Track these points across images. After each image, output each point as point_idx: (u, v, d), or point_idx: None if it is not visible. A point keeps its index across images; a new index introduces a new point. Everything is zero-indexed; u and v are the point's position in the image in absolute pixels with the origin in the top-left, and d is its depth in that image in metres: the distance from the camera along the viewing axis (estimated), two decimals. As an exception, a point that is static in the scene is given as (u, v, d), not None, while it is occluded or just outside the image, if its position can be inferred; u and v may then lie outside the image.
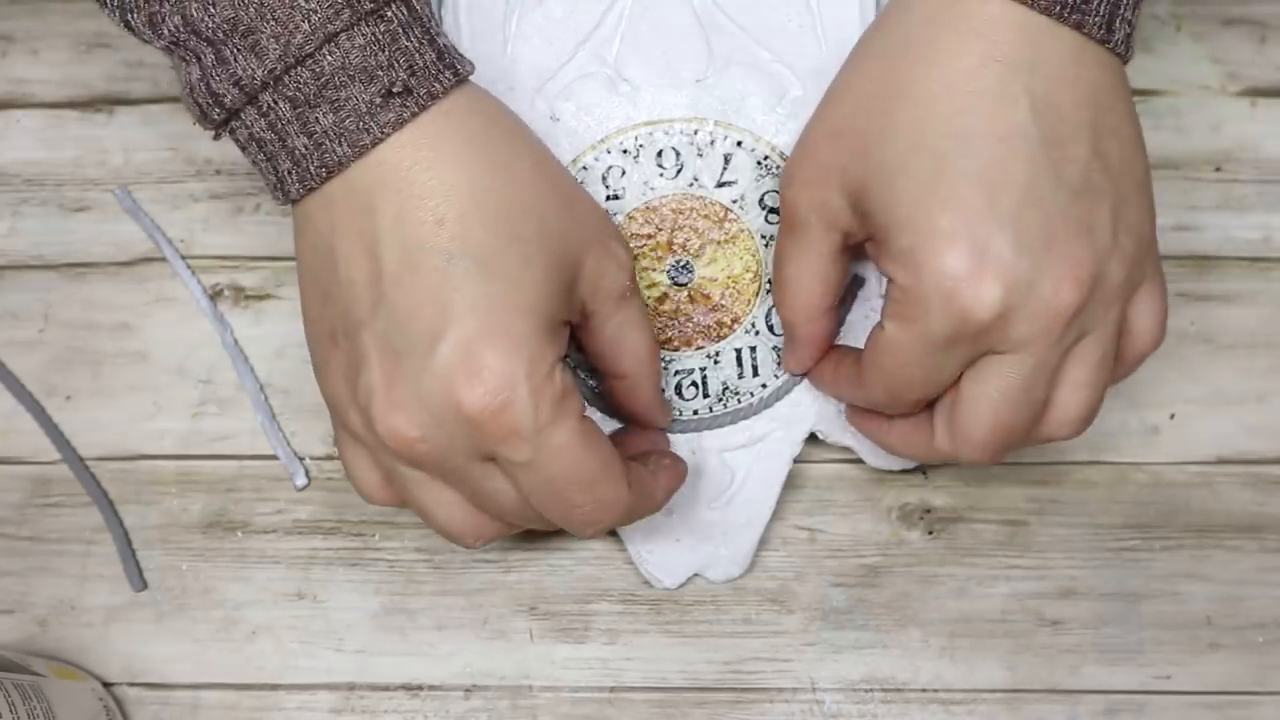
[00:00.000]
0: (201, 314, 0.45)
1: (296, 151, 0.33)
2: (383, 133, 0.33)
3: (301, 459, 0.44)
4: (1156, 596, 0.42)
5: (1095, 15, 0.33)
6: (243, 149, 0.35)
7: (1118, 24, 0.34)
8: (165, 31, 0.33)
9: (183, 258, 0.45)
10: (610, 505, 0.34)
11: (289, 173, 0.34)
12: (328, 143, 0.33)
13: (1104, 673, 0.42)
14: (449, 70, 0.33)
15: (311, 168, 0.33)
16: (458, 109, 0.34)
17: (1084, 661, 0.42)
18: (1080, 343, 0.34)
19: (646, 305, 0.41)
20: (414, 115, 0.33)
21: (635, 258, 0.41)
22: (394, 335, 0.32)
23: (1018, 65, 0.33)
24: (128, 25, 0.34)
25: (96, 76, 0.47)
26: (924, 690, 0.42)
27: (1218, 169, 0.45)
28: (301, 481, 0.43)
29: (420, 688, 0.42)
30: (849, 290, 0.41)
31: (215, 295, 0.45)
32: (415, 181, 0.33)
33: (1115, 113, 0.34)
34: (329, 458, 0.44)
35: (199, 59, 0.33)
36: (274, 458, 0.44)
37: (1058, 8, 0.33)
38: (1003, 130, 0.33)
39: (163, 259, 0.45)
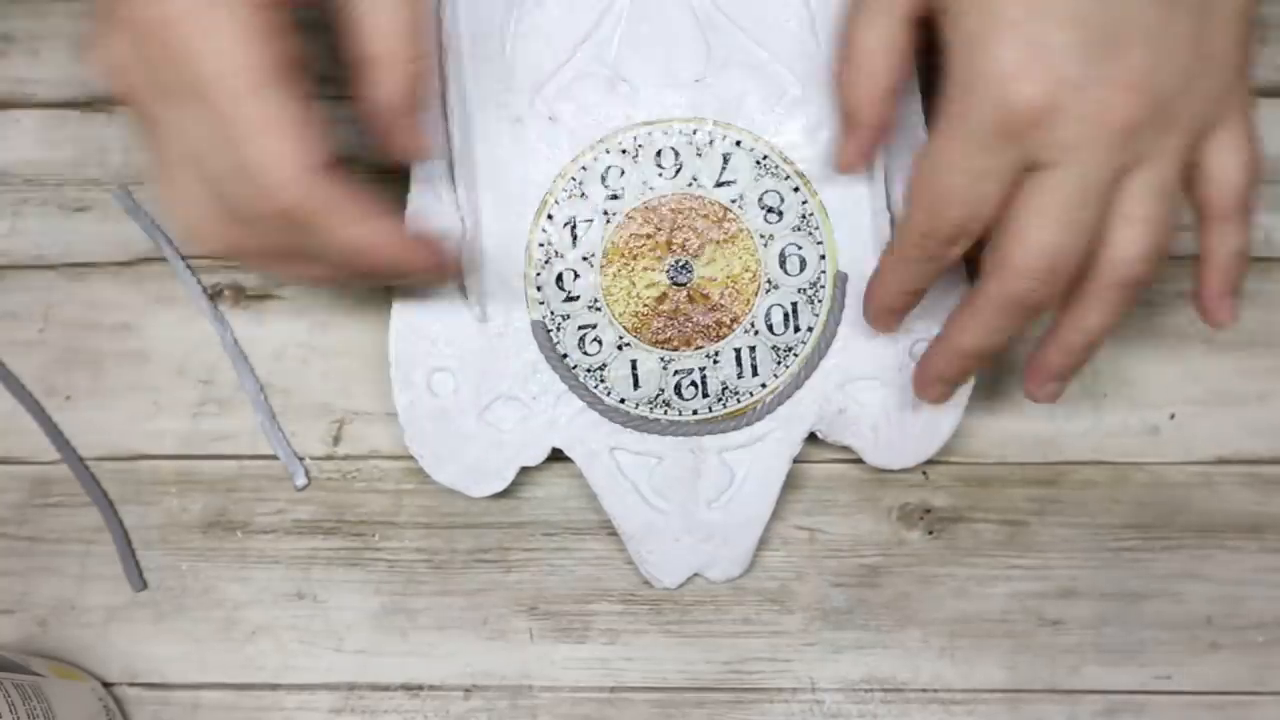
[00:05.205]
0: (201, 314, 0.45)
1: None
2: None
3: (301, 459, 0.44)
4: (1156, 596, 0.42)
5: None
6: None
7: None
8: None
9: (183, 258, 0.45)
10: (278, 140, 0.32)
11: None
12: None
13: (1104, 673, 0.42)
14: None
15: None
16: None
17: (1084, 661, 0.42)
18: (1136, 171, 0.33)
19: (641, 298, 0.41)
20: None
21: (635, 257, 0.41)
22: None
23: None
24: None
25: (96, 76, 0.47)
26: (924, 690, 0.42)
27: (1218, 168, 0.45)
28: (301, 481, 0.43)
29: (420, 688, 0.42)
30: None
31: (215, 295, 0.45)
32: None
33: None
34: (329, 458, 0.44)
35: None
36: (274, 458, 0.44)
37: None
38: None
39: (163, 259, 0.45)
